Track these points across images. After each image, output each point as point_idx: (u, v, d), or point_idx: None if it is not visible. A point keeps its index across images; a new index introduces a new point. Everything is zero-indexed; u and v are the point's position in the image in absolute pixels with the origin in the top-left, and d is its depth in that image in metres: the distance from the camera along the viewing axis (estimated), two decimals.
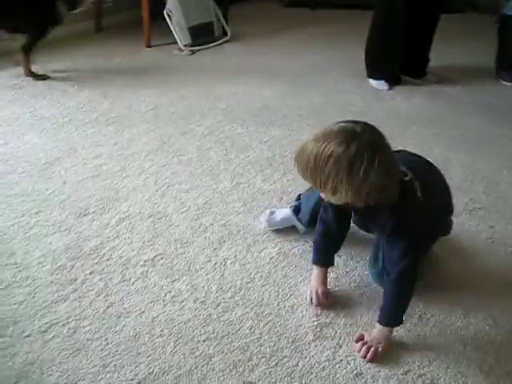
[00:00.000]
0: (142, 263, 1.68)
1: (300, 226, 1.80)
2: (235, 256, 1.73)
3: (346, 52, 3.58)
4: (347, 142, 1.23)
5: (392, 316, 1.41)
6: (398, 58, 3.06)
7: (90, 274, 1.62)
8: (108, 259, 1.69)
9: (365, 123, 1.30)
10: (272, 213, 1.86)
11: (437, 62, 3.23)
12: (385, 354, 1.38)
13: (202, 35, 3.59)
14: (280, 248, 1.77)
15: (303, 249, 1.77)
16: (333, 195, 1.31)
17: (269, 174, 2.18)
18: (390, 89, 3.09)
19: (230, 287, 1.60)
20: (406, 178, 1.37)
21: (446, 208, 1.63)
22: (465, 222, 1.90)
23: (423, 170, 1.52)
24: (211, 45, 3.62)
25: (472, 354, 1.40)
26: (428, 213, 1.41)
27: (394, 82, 3.13)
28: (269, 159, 2.29)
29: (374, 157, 1.23)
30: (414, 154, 1.61)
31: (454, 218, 1.68)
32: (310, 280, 1.60)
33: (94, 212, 1.90)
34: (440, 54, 3.24)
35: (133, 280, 1.61)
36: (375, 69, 3.11)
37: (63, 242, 1.75)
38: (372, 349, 1.38)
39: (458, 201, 1.76)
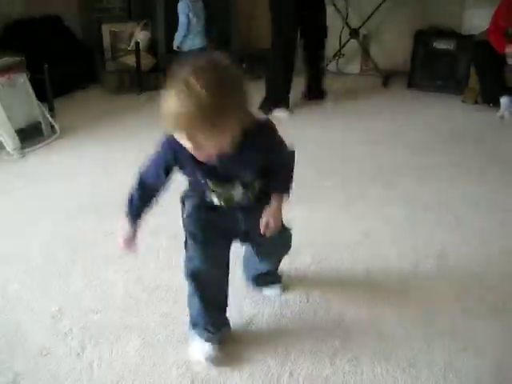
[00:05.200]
0: None
1: None
2: (100, 357, 1.72)
3: None
4: None
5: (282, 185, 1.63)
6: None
7: None
8: None
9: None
10: None
11: None
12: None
13: (30, 136, 3.53)
14: (143, 338, 1.80)
15: (166, 334, 1.81)
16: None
17: (120, 266, 2.20)
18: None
19: None
20: None
21: None
22: None
23: None
24: (42, 144, 3.56)
25: None
26: None
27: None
28: (118, 251, 2.30)
29: None
30: None
31: None
32: (180, 365, 1.67)
33: None
34: None
35: None
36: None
37: None
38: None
39: None
